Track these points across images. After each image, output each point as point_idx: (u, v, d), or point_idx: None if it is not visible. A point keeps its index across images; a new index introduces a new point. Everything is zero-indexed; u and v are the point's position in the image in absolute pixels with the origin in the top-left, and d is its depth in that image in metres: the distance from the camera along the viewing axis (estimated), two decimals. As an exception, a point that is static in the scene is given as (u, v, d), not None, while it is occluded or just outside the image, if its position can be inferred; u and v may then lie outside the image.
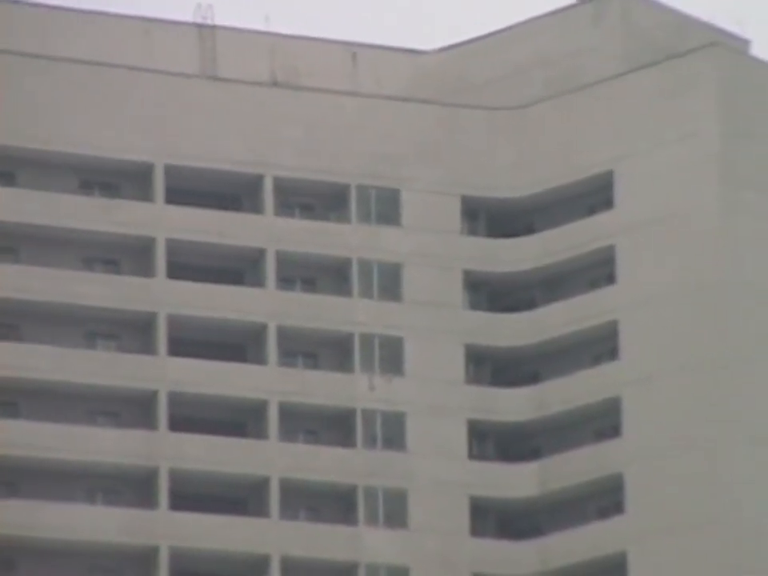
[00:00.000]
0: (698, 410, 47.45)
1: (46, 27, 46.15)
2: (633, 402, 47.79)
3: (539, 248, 50.58)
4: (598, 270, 49.63)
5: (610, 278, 49.86)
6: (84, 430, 46.90)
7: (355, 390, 49.07)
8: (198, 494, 47.56)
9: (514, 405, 49.71)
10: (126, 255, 48.35)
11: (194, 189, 49.10)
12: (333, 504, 48.75)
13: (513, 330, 50.79)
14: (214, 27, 50.61)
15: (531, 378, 50.15)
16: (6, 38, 45.00)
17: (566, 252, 49.87)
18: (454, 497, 48.79)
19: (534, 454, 49.68)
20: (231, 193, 49.84)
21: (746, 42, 54.13)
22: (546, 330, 49.75)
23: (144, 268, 48.37)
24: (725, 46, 51.07)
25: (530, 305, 50.86)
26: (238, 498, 48.01)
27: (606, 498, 47.98)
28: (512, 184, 51.40)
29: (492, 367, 50.96)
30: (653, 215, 48.47)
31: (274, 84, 50.53)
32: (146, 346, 48.34)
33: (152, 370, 47.94)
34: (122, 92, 48.41)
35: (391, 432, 49.18)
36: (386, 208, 50.68)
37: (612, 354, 48.75)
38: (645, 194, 48.90)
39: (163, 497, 46.68)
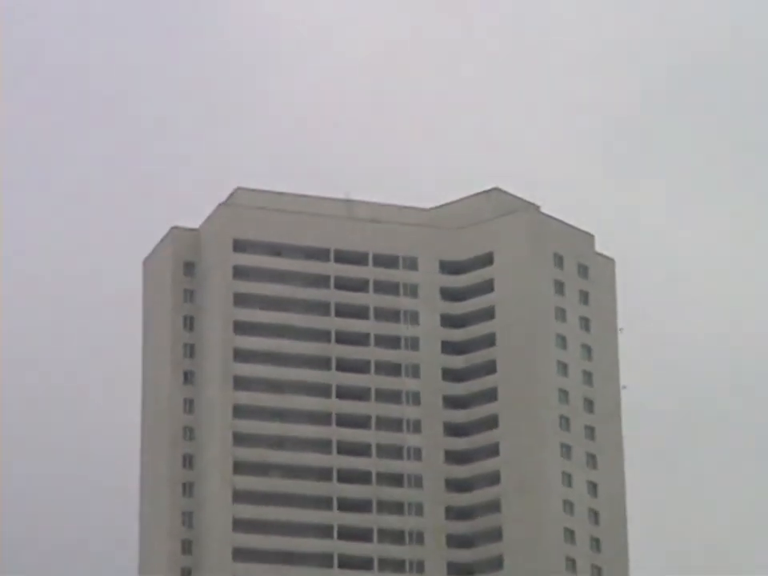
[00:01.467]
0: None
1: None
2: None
3: (469, 280, 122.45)
4: (487, 287, 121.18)
5: (492, 290, 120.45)
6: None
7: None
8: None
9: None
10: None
11: (342, 258, 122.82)
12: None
13: (461, 310, 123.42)
14: (351, 201, 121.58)
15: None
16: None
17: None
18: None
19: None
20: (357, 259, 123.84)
21: (537, 206, 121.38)
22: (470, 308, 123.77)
23: (324, 283, 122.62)
24: (521, 208, 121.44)
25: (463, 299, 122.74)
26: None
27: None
28: (459, 258, 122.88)
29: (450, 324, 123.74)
30: (503, 272, 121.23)
31: (374, 221, 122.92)
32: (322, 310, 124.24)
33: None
34: (317, 224, 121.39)
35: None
36: (410, 264, 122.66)
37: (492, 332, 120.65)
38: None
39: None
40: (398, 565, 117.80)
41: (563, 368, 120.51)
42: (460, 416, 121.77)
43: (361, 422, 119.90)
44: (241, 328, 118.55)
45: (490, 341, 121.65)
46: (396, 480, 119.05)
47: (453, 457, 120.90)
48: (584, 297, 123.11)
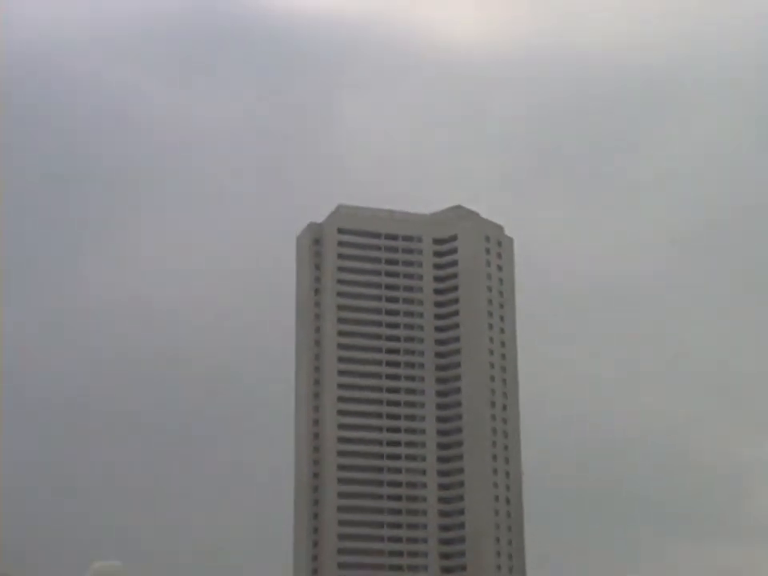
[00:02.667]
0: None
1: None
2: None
3: (446, 247, 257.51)
4: (453, 251, 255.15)
5: (456, 252, 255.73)
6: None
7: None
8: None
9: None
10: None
11: (388, 237, 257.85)
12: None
13: (442, 263, 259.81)
14: (391, 210, 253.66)
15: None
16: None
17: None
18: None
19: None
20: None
21: (477, 213, 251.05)
22: (446, 261, 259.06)
23: (378, 249, 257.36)
24: (470, 214, 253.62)
25: (443, 256, 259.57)
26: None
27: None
28: (441, 237, 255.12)
29: (437, 268, 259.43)
30: (462, 244, 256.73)
31: (402, 220, 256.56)
32: (378, 262, 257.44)
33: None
34: (376, 221, 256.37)
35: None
36: (419, 240, 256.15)
37: (456, 272, 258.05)
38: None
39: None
40: (411, 377, 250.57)
41: (489, 289, 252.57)
42: (442, 311, 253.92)
43: (395, 313, 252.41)
44: (341, 270, 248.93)
45: (455, 276, 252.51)
46: (412, 339, 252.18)
47: (437, 338, 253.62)
48: (499, 255, 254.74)
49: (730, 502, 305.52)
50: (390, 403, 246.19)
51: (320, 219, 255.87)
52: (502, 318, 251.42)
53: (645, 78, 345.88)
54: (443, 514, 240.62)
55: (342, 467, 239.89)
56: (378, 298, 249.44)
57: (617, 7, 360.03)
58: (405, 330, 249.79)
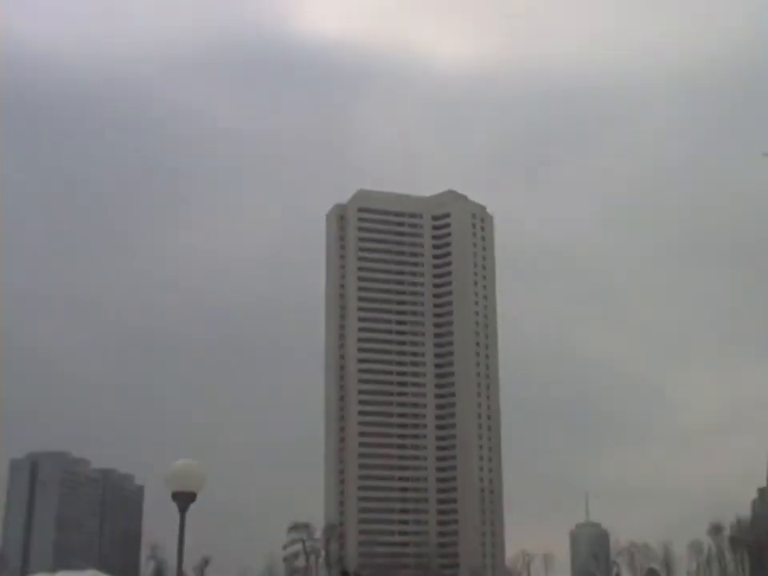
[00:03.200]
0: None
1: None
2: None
3: (441, 222, 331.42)
4: (446, 225, 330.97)
5: (449, 226, 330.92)
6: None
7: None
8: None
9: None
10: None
11: (397, 214, 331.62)
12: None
13: (438, 234, 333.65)
14: (400, 194, 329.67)
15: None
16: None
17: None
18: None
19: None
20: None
21: (466, 196, 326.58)
22: (441, 233, 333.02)
23: (387, 223, 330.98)
24: (460, 198, 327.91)
25: (439, 229, 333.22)
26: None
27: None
28: (437, 214, 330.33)
29: (434, 238, 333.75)
30: (454, 219, 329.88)
31: (407, 200, 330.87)
32: (388, 232, 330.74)
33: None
34: (388, 201, 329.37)
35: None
36: (420, 216, 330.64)
37: (449, 241, 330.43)
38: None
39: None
40: (415, 322, 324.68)
41: (474, 255, 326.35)
42: (438, 272, 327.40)
43: (401, 273, 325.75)
44: (361, 240, 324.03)
45: (448, 244, 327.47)
46: (415, 293, 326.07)
47: (435, 292, 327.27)
48: (482, 229, 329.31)
49: (659, 414, 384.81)
50: (399, 342, 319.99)
51: (344, 200, 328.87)
52: (485, 277, 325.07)
53: (602, 86, 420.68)
54: (439, 427, 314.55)
55: (362, 391, 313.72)
56: (389, 262, 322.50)
57: (584, 28, 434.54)
58: (409, 287, 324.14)
